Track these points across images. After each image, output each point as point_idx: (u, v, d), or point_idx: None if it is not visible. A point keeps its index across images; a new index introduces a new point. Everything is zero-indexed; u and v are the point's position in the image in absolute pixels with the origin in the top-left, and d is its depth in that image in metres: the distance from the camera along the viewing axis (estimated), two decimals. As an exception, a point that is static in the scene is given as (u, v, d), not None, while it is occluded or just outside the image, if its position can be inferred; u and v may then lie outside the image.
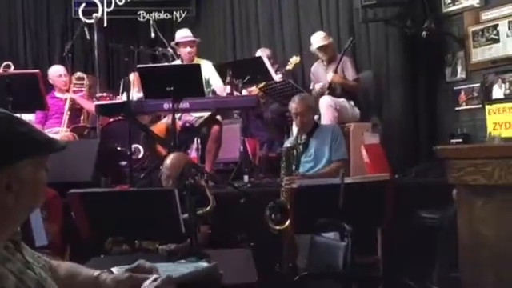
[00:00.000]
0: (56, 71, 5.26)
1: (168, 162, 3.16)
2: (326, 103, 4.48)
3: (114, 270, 1.36)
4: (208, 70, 4.62)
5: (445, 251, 3.50)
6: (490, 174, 1.42)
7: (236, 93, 4.51)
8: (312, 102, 3.97)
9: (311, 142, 3.83)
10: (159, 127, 4.55)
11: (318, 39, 4.85)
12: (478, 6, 4.76)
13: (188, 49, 4.73)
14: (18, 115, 1.23)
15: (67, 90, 5.19)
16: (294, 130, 4.16)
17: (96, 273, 1.33)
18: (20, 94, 4.00)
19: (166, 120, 4.53)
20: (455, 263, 1.58)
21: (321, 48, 4.83)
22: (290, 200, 3.12)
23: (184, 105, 4.02)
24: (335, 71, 4.66)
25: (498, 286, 1.41)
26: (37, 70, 4.49)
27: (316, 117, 4.49)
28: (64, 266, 1.35)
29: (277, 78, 4.96)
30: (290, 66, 5.12)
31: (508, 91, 4.46)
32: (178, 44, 4.85)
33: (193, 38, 4.82)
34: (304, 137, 3.81)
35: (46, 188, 1.21)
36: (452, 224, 1.61)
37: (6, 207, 1.11)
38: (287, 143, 3.87)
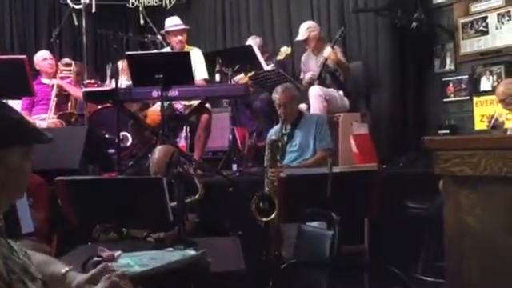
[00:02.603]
0: (40, 56, 5.21)
1: (155, 157, 3.14)
2: (315, 93, 4.48)
3: None
4: (196, 59, 4.58)
5: (430, 241, 3.55)
6: (477, 164, 1.43)
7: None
8: (295, 92, 3.94)
9: (296, 132, 3.82)
10: (152, 113, 4.52)
11: (300, 31, 4.86)
12: (467, -3, 4.79)
13: (178, 37, 4.69)
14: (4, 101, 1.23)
15: (54, 76, 5.13)
16: (283, 119, 4.15)
17: (63, 270, 1.32)
18: (6, 80, 3.94)
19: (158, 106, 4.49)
20: (441, 253, 1.60)
21: (302, 41, 4.85)
22: (275, 191, 3.13)
23: (173, 93, 4.00)
24: (332, 47, 4.64)
25: (482, 276, 1.44)
26: (23, 56, 4.43)
27: (305, 107, 4.51)
28: (35, 256, 1.35)
29: (267, 67, 4.95)
30: (280, 56, 5.10)
31: (496, 83, 4.49)
32: (167, 32, 4.80)
33: (183, 27, 4.78)
34: (289, 127, 3.81)
35: (29, 179, 1.22)
36: (438, 214, 1.63)
37: None
38: (272, 133, 3.85)
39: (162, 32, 4.96)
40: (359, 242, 3.38)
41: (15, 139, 1.14)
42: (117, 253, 2.02)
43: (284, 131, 3.77)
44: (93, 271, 1.29)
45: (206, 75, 4.67)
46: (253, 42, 5.26)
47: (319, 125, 3.84)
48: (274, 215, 3.13)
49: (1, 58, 4.84)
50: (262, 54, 5.08)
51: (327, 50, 4.62)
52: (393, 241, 3.59)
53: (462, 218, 1.48)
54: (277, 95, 3.80)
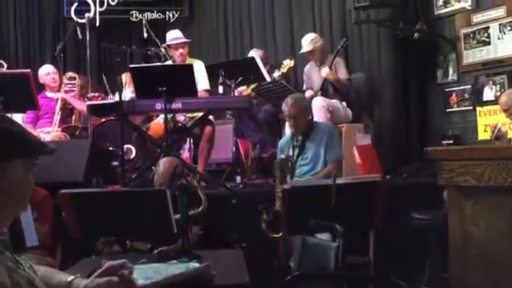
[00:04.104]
0: (44, 70, 5.25)
1: (159, 169, 3.14)
2: (318, 104, 4.49)
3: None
4: (197, 71, 4.59)
5: (436, 252, 3.53)
6: (480, 175, 1.43)
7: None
8: (305, 103, 3.92)
9: (307, 144, 3.77)
10: (155, 125, 4.53)
11: (304, 44, 4.87)
12: (469, 8, 4.80)
13: (180, 50, 4.71)
14: (9, 115, 1.24)
15: (58, 90, 5.17)
16: (287, 130, 4.15)
17: (69, 278, 1.33)
18: (11, 94, 3.97)
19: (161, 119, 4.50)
20: (446, 264, 1.59)
21: (307, 53, 4.86)
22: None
23: (176, 105, 4.01)
24: (330, 68, 4.67)
25: (486, 286, 1.43)
26: (28, 70, 4.46)
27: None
28: (40, 269, 1.35)
29: (270, 77, 4.96)
30: (283, 69, 5.11)
31: (499, 93, 4.49)
32: (169, 46, 4.83)
33: (183, 40, 4.80)
34: (300, 138, 3.77)
35: (32, 191, 1.22)
36: (443, 225, 1.62)
37: None
38: (283, 143, 3.83)
39: (165, 45, 4.99)
40: (364, 253, 3.36)
41: (16, 151, 1.14)
42: (121, 265, 2.01)
43: (295, 143, 3.72)
44: (99, 271, 1.32)
45: (207, 86, 4.68)
46: (255, 54, 5.29)
47: (330, 136, 3.80)
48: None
49: (6, 73, 4.90)
50: (265, 65, 5.10)
51: (325, 70, 4.64)
52: (397, 252, 3.57)
53: (466, 229, 1.47)
54: (286, 107, 3.73)
